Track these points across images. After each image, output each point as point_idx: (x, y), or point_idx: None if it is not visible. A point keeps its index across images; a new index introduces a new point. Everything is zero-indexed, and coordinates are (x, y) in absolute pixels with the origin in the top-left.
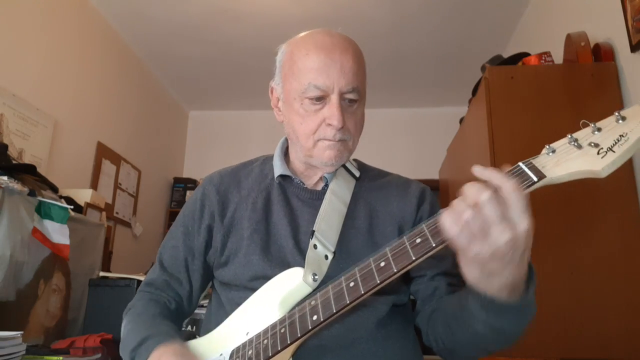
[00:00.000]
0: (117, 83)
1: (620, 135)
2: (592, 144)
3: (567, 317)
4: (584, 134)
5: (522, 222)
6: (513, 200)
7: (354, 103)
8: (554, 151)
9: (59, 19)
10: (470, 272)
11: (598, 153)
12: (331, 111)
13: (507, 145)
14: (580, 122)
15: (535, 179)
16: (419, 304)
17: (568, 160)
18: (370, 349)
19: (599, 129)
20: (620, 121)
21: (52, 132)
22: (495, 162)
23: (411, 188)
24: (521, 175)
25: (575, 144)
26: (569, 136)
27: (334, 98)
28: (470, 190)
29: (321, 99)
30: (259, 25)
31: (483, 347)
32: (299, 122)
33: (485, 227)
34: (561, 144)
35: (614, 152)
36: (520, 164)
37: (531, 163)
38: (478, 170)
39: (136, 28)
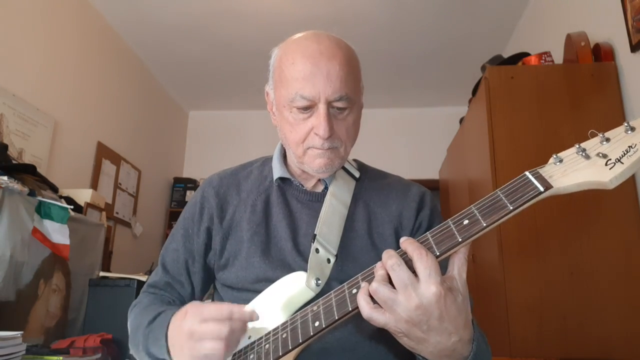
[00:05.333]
0: (117, 83)
1: (629, 147)
2: (601, 155)
3: (567, 317)
4: (592, 144)
5: (428, 289)
6: (419, 268)
7: (343, 110)
8: (561, 161)
9: (58, 19)
10: (398, 339)
11: (606, 164)
12: (318, 121)
13: (507, 145)
14: (589, 132)
15: (541, 189)
16: None
17: (576, 170)
18: (373, 352)
19: (608, 139)
20: (630, 132)
21: (52, 132)
22: (496, 162)
23: (411, 191)
24: (527, 185)
25: (583, 154)
26: (577, 146)
27: (321, 107)
28: (383, 258)
29: (309, 108)
30: (259, 25)
31: None
32: (289, 129)
33: (391, 297)
34: (569, 154)
35: (622, 163)
36: (527, 173)
37: (538, 172)
38: (400, 242)
39: (136, 28)
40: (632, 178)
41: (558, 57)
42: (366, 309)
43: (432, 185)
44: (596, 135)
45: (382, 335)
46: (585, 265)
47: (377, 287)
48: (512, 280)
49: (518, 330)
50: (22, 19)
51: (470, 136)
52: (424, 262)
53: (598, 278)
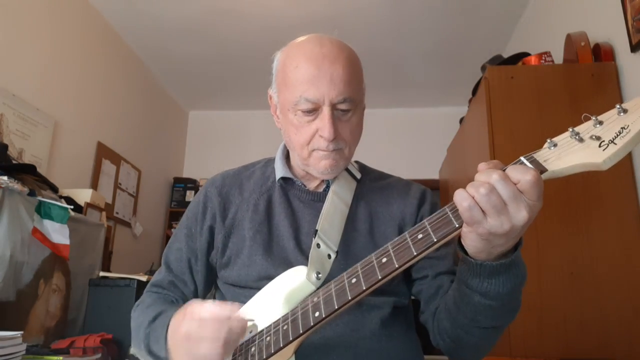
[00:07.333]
0: (117, 83)
1: (622, 128)
2: (594, 137)
3: (567, 317)
4: (586, 128)
5: (537, 205)
6: (533, 184)
7: (347, 112)
8: (555, 145)
9: (59, 19)
10: (474, 246)
11: (600, 146)
12: (322, 123)
13: (507, 145)
14: (582, 116)
15: None
16: (423, 304)
17: (570, 153)
18: (374, 348)
19: (601, 122)
20: (622, 114)
21: (52, 132)
22: None
23: (412, 190)
24: None
25: (577, 137)
26: (571, 130)
27: (325, 110)
28: (485, 174)
29: (313, 111)
30: (259, 25)
31: (485, 325)
32: (293, 132)
33: (502, 204)
34: (563, 138)
35: (615, 144)
36: (522, 158)
37: (532, 157)
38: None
39: (136, 28)
40: (632, 177)
41: (558, 57)
42: (467, 200)
43: (432, 185)
44: (589, 118)
45: (383, 332)
46: (585, 265)
47: (488, 190)
48: None
49: (518, 330)
50: (22, 19)
51: (470, 136)
52: (539, 181)
53: (598, 278)
